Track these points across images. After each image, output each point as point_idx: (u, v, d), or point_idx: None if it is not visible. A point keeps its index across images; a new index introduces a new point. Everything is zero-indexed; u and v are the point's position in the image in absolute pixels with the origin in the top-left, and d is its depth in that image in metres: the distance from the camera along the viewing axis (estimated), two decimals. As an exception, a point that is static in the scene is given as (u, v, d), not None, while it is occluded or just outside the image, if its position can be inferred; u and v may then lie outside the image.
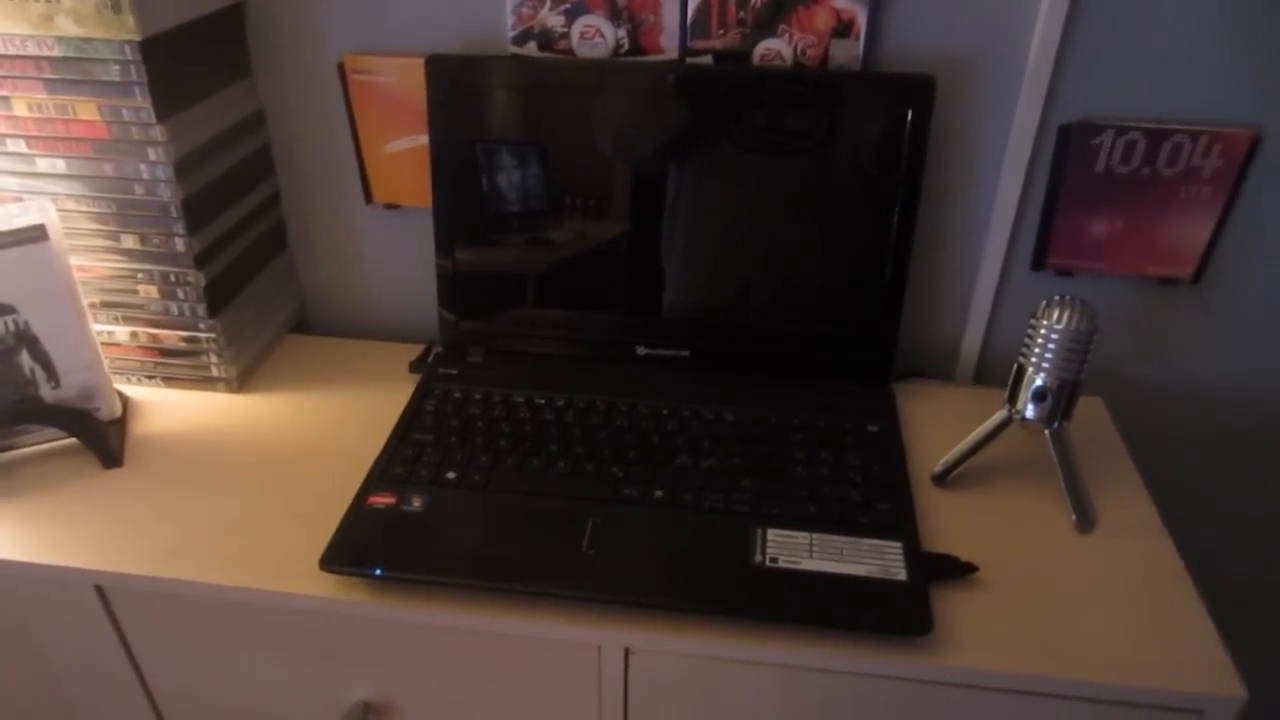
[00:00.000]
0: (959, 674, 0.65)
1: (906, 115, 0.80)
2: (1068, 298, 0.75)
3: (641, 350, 0.90)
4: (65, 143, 0.76)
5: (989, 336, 0.93)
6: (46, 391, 0.79)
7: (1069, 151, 0.83)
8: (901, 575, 0.68)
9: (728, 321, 0.89)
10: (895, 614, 0.66)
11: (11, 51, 0.72)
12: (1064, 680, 0.64)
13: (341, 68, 0.86)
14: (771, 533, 0.71)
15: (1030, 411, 0.77)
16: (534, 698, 0.73)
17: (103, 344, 0.83)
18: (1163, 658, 0.65)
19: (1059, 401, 0.76)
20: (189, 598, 0.72)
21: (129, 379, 0.89)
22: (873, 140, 0.81)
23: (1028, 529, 0.76)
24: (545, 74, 0.82)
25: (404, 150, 0.88)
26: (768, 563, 0.69)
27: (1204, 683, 0.63)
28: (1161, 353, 0.92)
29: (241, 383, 0.89)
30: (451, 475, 0.76)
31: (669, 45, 0.81)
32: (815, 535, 0.71)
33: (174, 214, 0.78)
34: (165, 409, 0.86)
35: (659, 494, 0.75)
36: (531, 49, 0.83)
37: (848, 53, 0.80)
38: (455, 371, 0.88)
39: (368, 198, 0.92)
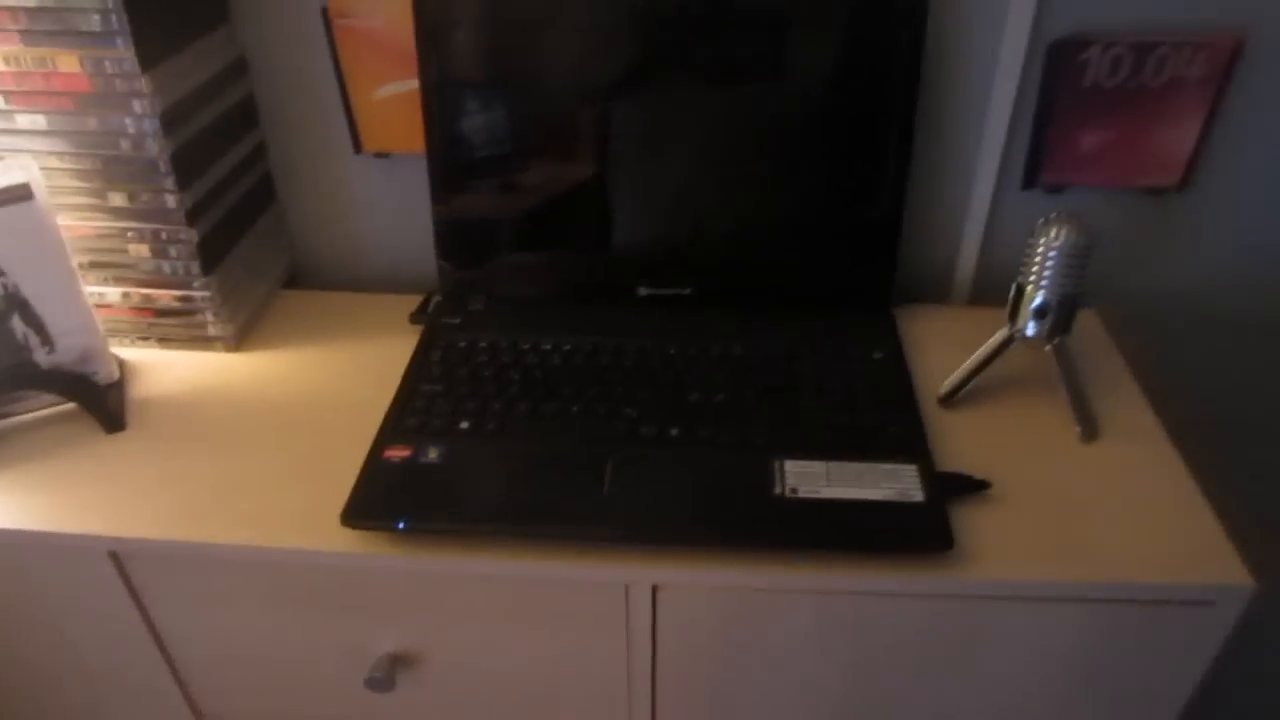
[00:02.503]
0: (983, 587, 0.67)
1: (899, 32, 0.79)
2: (1064, 214, 0.76)
3: (643, 290, 0.90)
4: (46, 97, 0.73)
5: (983, 257, 0.94)
6: (41, 356, 0.77)
7: (1058, 69, 0.83)
8: (919, 496, 0.69)
9: (727, 255, 0.89)
10: (917, 533, 0.67)
11: (-16, 6, 0.69)
12: (1081, 584, 0.66)
13: (325, 11, 0.83)
14: (789, 464, 0.72)
15: (1032, 329, 0.78)
16: (562, 640, 0.74)
17: (95, 306, 0.81)
18: (1172, 554, 0.67)
19: (1060, 316, 0.77)
20: (207, 560, 0.71)
21: (123, 341, 0.87)
22: (866, 60, 0.80)
23: (1035, 443, 0.77)
24: (534, 5, 0.80)
25: (393, 96, 0.86)
26: (788, 493, 0.70)
27: (1213, 574, 0.66)
28: (1150, 261, 0.94)
29: (239, 340, 0.88)
30: (465, 425, 0.76)
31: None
32: (832, 463, 0.72)
33: (162, 169, 0.76)
34: (163, 370, 0.85)
35: (675, 431, 0.75)
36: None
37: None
38: (458, 320, 0.88)
39: (357, 147, 0.90)
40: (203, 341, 0.86)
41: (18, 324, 0.75)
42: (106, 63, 0.71)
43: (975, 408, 0.81)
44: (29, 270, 0.74)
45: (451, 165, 0.85)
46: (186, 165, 0.78)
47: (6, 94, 0.73)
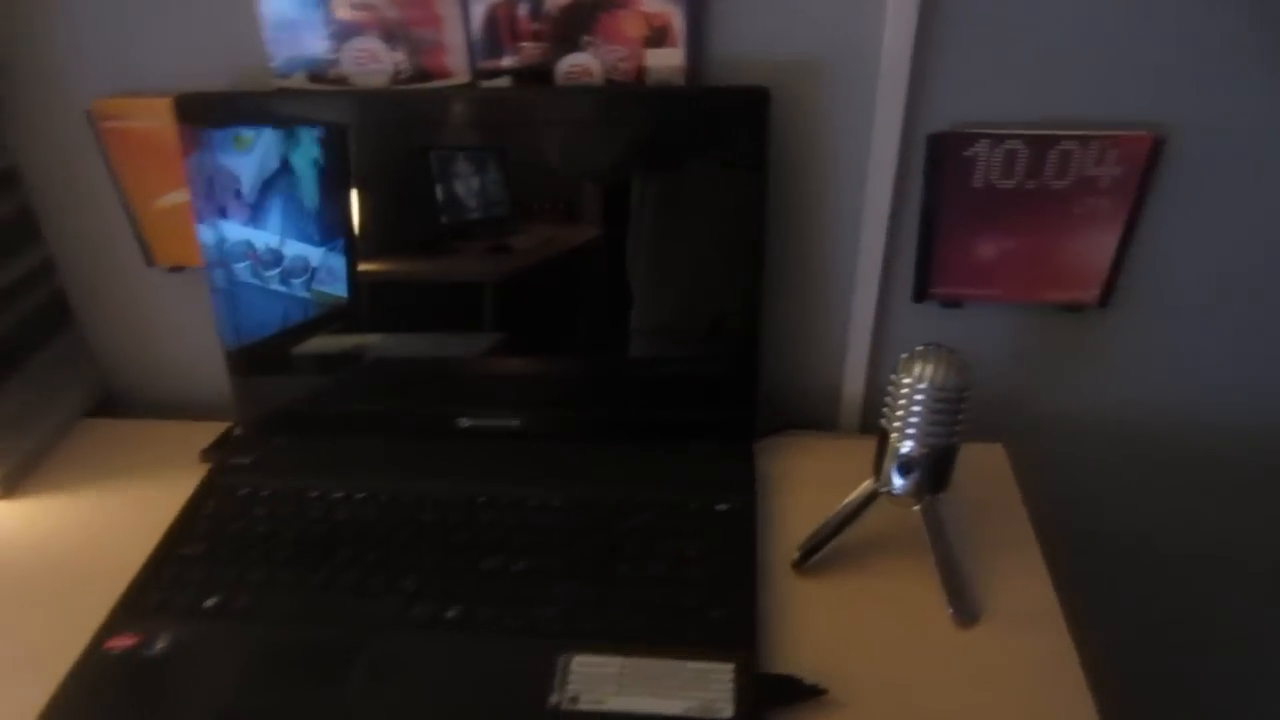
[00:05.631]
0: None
1: (738, 134, 0.67)
2: (931, 348, 0.62)
3: (465, 422, 0.78)
4: None
5: (874, 378, 0.80)
6: None
7: (942, 166, 0.69)
8: (726, 712, 0.56)
9: (562, 384, 0.77)
10: (712, 768, 0.54)
11: None
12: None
13: (89, 114, 0.73)
14: (578, 660, 0.59)
15: (898, 484, 0.64)
16: None
17: None
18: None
19: (930, 473, 0.64)
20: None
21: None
22: (702, 164, 0.68)
23: (899, 625, 0.64)
24: (311, 108, 0.69)
25: (179, 204, 0.76)
26: (565, 703, 0.57)
27: None
28: (1070, 387, 0.80)
29: (12, 484, 0.77)
30: (213, 602, 0.64)
31: (457, 67, 0.68)
32: (630, 660, 0.59)
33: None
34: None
35: (452, 613, 0.63)
36: (300, 80, 0.70)
37: (667, 63, 0.67)
38: (249, 460, 0.77)
39: (149, 260, 0.80)
40: (-35, 486, 0.76)
41: None
42: None
43: (834, 575, 0.67)
44: None
45: (234, 281, 0.75)
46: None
47: None
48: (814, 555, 0.68)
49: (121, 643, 0.62)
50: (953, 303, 0.76)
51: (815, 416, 0.83)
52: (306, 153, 0.70)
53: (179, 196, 0.75)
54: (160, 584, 0.66)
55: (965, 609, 0.64)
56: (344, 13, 0.67)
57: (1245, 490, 0.84)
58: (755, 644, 0.61)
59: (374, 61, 0.69)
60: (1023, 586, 0.66)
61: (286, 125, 0.69)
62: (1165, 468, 0.83)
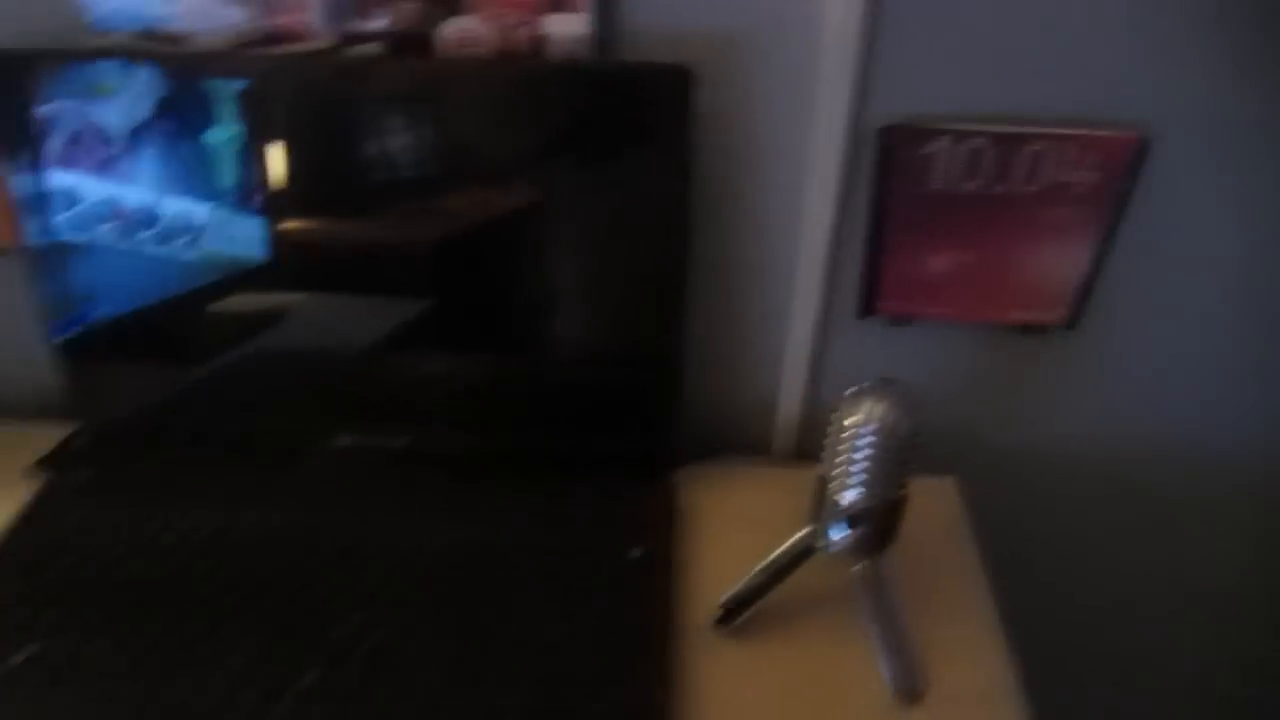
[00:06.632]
0: None
1: (656, 121, 0.56)
2: (879, 384, 0.53)
3: (344, 440, 0.67)
4: None
5: (811, 399, 0.71)
6: None
7: (894, 164, 0.60)
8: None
9: (459, 399, 0.66)
10: None
11: None
12: None
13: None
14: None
15: (835, 538, 0.55)
16: None
17: None
18: None
19: (873, 528, 0.55)
20: None
21: None
22: (615, 155, 0.58)
23: (833, 702, 0.55)
24: (166, 73, 0.57)
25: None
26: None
27: None
28: (1031, 417, 0.71)
29: None
30: (24, 656, 0.53)
31: (316, 28, 0.57)
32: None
33: None
34: None
35: (307, 681, 0.52)
36: (124, 37, 0.58)
37: (570, 31, 0.56)
38: (86, 478, 0.65)
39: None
40: None
41: None
42: None
43: (762, 637, 0.58)
44: None
45: (58, 265, 0.63)
46: None
47: None
48: (739, 615, 0.59)
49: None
50: (902, 320, 0.67)
51: (746, 440, 0.73)
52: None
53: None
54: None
55: (907, 684, 0.55)
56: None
57: (1230, 532, 0.77)
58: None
59: (217, 20, 0.57)
60: (973, 657, 0.58)
61: (108, 116, 0.57)
62: (1135, 505, 0.76)
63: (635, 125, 0.57)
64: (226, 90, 0.56)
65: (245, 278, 0.61)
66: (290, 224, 0.60)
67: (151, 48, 0.58)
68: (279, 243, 0.60)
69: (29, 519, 0.63)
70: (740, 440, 0.73)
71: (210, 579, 0.58)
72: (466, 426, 0.67)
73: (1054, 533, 0.78)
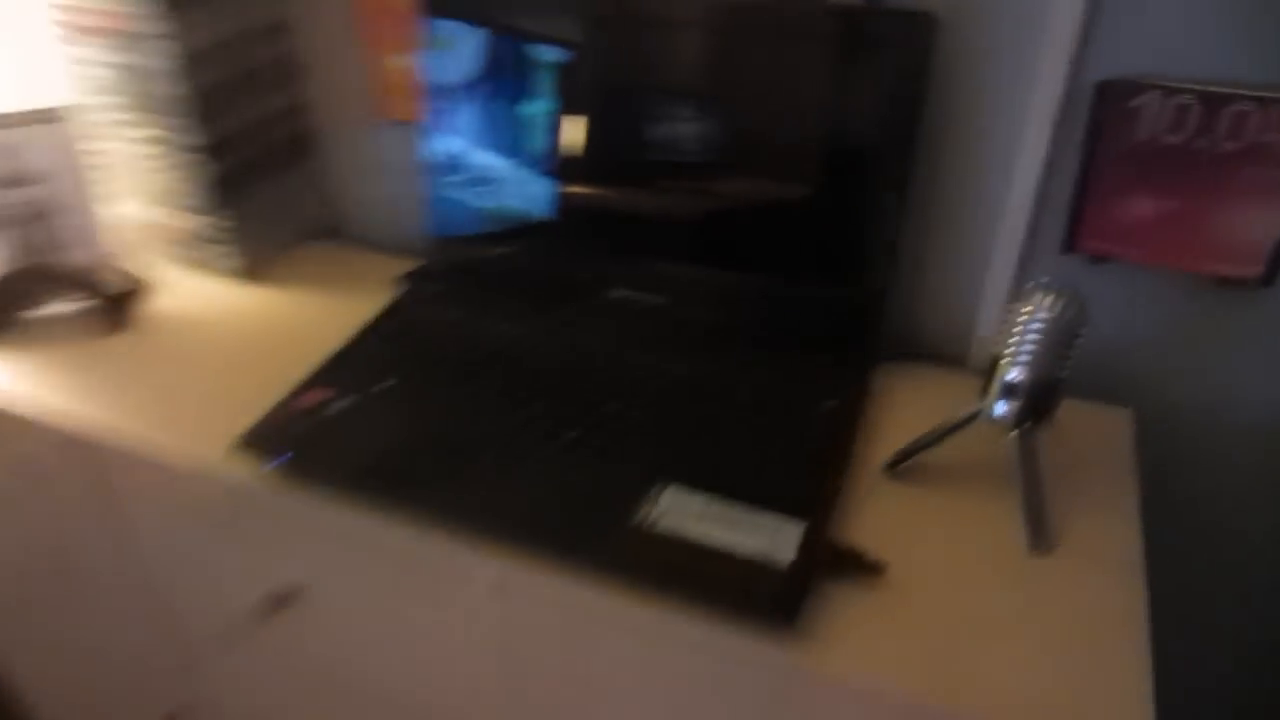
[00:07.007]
0: (819, 676, 0.58)
1: (900, 58, 0.71)
2: (1057, 283, 0.64)
3: (619, 292, 0.86)
4: (96, 33, 0.82)
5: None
6: (64, 259, 0.86)
7: (1106, 114, 0.70)
8: (787, 558, 0.62)
9: (712, 275, 0.84)
10: (759, 597, 0.60)
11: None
12: (940, 704, 0.56)
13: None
14: (670, 492, 0.66)
15: (999, 408, 0.67)
16: (420, 609, 0.73)
17: (123, 224, 0.90)
18: (1076, 703, 0.56)
19: (1032, 400, 0.66)
20: (124, 454, 0.77)
21: (160, 257, 0.95)
22: (865, 85, 0.72)
23: (973, 540, 0.67)
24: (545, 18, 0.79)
25: (405, 67, 0.89)
26: (648, 522, 0.64)
27: None
28: (1219, 370, 0.78)
29: (250, 274, 0.94)
30: (382, 386, 0.77)
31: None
32: (714, 502, 0.66)
33: (186, 105, 0.83)
34: (180, 288, 0.93)
35: (573, 434, 0.72)
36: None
37: (852, -14, 0.72)
38: (434, 290, 0.89)
39: (378, 114, 0.93)
40: (215, 269, 0.93)
41: (46, 228, 0.85)
42: (142, 4, 0.79)
43: (923, 485, 0.71)
44: (56, 184, 0.83)
45: (446, 142, 0.87)
46: (211, 104, 0.84)
47: (67, 27, 0.83)
48: (905, 461, 0.72)
49: (312, 397, 0.75)
50: (1100, 259, 0.76)
51: (945, 352, 0.85)
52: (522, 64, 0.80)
53: (405, 60, 0.88)
54: (346, 364, 0.79)
55: (1040, 536, 0.66)
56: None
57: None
58: (830, 517, 0.66)
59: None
60: (1109, 534, 0.67)
61: (498, 23, 0.80)
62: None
63: (883, 58, 0.71)
64: (547, 58, 0.78)
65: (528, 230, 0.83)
66: (576, 188, 0.81)
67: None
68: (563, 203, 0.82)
69: (390, 311, 0.87)
70: (939, 353, 0.85)
71: (512, 363, 0.79)
72: (712, 303, 0.84)
73: (1220, 486, 0.82)
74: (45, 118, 0.81)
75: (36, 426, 0.79)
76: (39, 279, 0.86)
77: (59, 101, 0.81)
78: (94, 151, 0.84)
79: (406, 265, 0.93)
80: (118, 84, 0.84)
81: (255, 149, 0.91)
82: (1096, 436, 0.75)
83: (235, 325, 0.88)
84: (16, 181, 0.82)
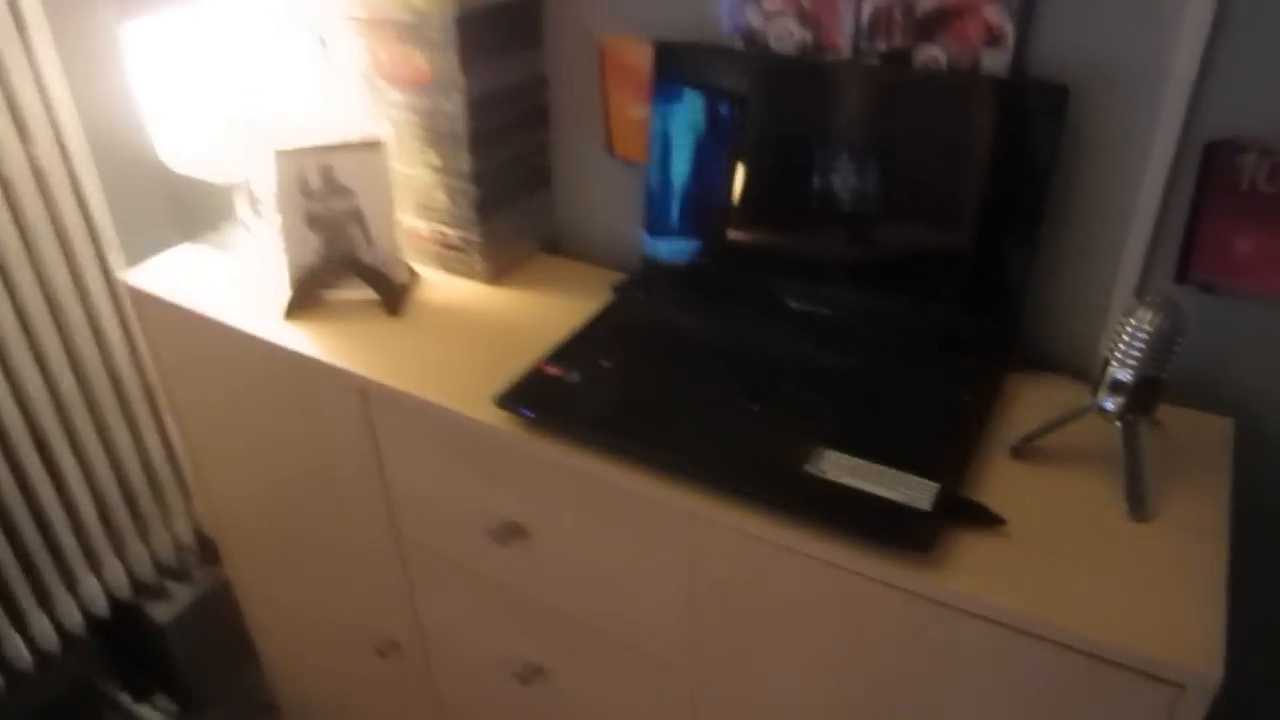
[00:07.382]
0: (944, 594, 0.75)
1: (1038, 120, 0.88)
2: (1160, 299, 0.80)
3: (794, 304, 1.06)
4: (404, 82, 1.08)
5: (1126, 342, 0.96)
6: (364, 254, 1.12)
7: (1211, 168, 0.85)
8: (925, 505, 0.79)
9: (872, 292, 1.02)
10: (902, 530, 0.78)
11: (379, 17, 1.06)
12: (1047, 623, 0.72)
13: (596, 45, 1.10)
14: (830, 452, 0.85)
15: (1108, 402, 0.83)
16: (625, 540, 0.94)
17: (406, 232, 1.16)
18: (1159, 630, 0.70)
19: (1136, 396, 0.81)
20: (409, 406, 1.01)
21: (420, 260, 1.21)
22: (1007, 142, 0.90)
23: (1082, 507, 0.82)
24: (751, 65, 1.01)
25: (640, 119, 1.11)
26: (814, 472, 0.83)
27: (1189, 659, 0.68)
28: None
29: (495, 278, 1.18)
30: (606, 364, 0.98)
31: (845, 47, 0.96)
32: (866, 461, 0.84)
33: (464, 141, 1.08)
34: (438, 285, 1.18)
35: (755, 407, 0.91)
36: (737, 43, 1.02)
37: (996, 61, 0.90)
38: (642, 298, 1.11)
39: (611, 152, 1.16)
40: (470, 272, 1.17)
41: (355, 230, 1.11)
42: (441, 62, 1.04)
43: (1041, 465, 0.87)
44: (367, 197, 1.09)
45: (662, 185, 1.08)
46: (482, 142, 1.09)
47: (383, 76, 1.10)
48: (1028, 443, 0.88)
49: (553, 369, 0.98)
50: (1207, 288, 0.91)
51: (1070, 366, 1.00)
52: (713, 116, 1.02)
53: (636, 110, 1.11)
54: (574, 349, 1.01)
55: (1140, 505, 0.81)
56: (770, 4, 0.98)
57: None
58: (962, 481, 0.83)
59: (788, 35, 0.98)
60: (1200, 511, 0.81)
61: (711, 88, 1.01)
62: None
63: (1024, 120, 0.89)
64: (750, 117, 0.99)
65: (722, 253, 1.04)
66: (764, 222, 1.01)
67: (753, 52, 1.01)
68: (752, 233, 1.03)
69: (607, 311, 1.09)
70: (1065, 366, 1.00)
71: (706, 353, 1.00)
72: (872, 317, 1.02)
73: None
74: (364, 146, 1.07)
75: (326, 373, 1.04)
76: (341, 268, 1.12)
77: (373, 134, 1.07)
78: (395, 174, 1.10)
79: (619, 277, 1.16)
80: (415, 122, 1.10)
81: (509, 177, 1.16)
82: (1198, 438, 0.89)
83: (484, 317, 1.12)
84: (339, 193, 1.09)
